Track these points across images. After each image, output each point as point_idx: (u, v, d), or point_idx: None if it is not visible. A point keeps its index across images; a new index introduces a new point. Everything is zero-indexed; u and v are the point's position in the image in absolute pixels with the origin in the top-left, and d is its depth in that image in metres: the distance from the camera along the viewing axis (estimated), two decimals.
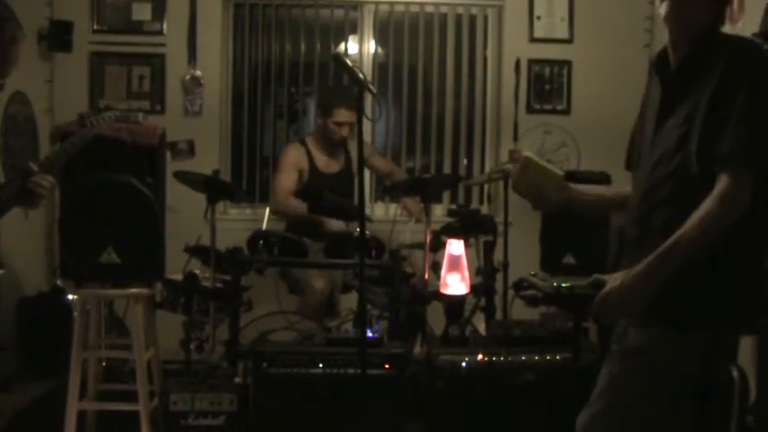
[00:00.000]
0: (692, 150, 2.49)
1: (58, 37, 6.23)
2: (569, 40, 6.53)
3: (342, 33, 6.74)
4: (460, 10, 6.72)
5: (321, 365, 4.19)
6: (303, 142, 5.86)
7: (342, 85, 6.41)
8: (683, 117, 2.53)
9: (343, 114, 5.66)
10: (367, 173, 6.08)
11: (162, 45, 6.48)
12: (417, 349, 4.63)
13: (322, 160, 5.80)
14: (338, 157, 5.88)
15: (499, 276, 5.22)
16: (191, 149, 6.44)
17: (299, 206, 5.48)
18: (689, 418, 2.54)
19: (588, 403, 2.66)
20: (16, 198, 2.80)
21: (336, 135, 5.70)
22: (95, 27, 6.45)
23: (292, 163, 5.77)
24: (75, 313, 4.69)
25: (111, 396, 4.87)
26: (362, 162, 3.40)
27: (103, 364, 5.09)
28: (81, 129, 3.01)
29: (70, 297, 4.81)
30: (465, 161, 6.82)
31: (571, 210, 3.00)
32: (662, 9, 2.59)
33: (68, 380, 4.51)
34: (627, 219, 2.73)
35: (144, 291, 4.66)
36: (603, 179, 5.21)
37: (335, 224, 5.43)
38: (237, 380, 4.37)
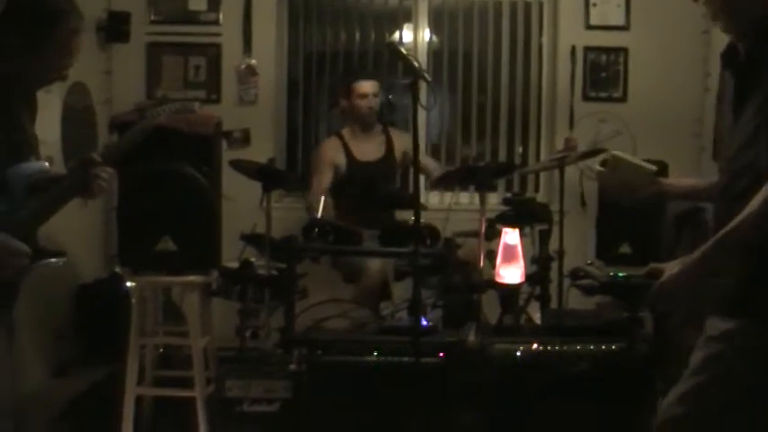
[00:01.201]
0: (763, 144, 2.45)
1: (115, 28, 6.29)
2: (625, 27, 6.45)
3: (396, 22, 6.73)
4: None
5: (375, 353, 4.19)
6: (339, 135, 5.87)
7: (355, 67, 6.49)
8: (755, 108, 2.49)
9: (362, 86, 5.69)
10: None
11: (217, 35, 6.52)
12: (471, 338, 4.63)
13: (359, 149, 5.79)
14: (377, 143, 5.86)
15: (554, 265, 5.20)
16: (246, 138, 6.47)
17: (323, 210, 5.39)
18: (753, 414, 2.52)
19: (678, 383, 2.63)
20: (76, 189, 2.83)
21: (364, 109, 5.70)
22: (152, 18, 6.50)
23: (327, 160, 5.76)
24: (133, 300, 4.75)
25: (167, 382, 4.93)
26: (417, 150, 3.40)
27: (160, 350, 5.16)
28: (141, 120, 3.03)
29: (128, 284, 4.87)
30: (520, 149, 6.78)
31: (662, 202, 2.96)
32: (719, 26, 2.59)
33: (126, 366, 4.58)
34: (713, 210, 2.70)
35: (200, 278, 4.71)
36: (660, 169, 5.16)
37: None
38: (292, 367, 4.38)
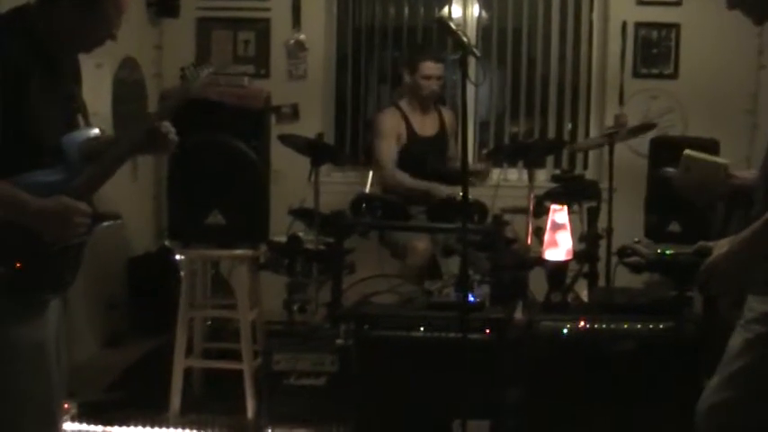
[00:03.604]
0: None
1: (165, 3, 6.33)
2: (678, 3, 6.35)
3: None
4: None
5: (422, 329, 4.20)
6: (398, 106, 5.83)
7: (427, 42, 6.43)
8: None
9: (429, 67, 5.61)
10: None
11: (267, 10, 6.53)
12: (518, 315, 4.62)
13: (418, 123, 5.77)
14: (432, 119, 5.84)
15: (603, 243, 5.17)
16: (295, 113, 6.49)
17: (409, 180, 5.50)
18: None
19: (719, 367, 2.61)
20: (137, 146, 2.81)
21: (427, 90, 5.65)
22: None
23: (391, 128, 5.72)
24: (182, 273, 4.80)
25: (216, 354, 5.00)
26: (466, 125, 3.39)
27: (209, 323, 5.22)
28: (182, 82, 2.99)
29: (177, 257, 4.92)
30: (569, 126, 6.74)
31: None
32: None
33: (175, 338, 4.63)
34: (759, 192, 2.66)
35: (249, 252, 4.74)
36: (711, 146, 5.10)
37: (442, 190, 5.37)
38: (339, 341, 4.40)
